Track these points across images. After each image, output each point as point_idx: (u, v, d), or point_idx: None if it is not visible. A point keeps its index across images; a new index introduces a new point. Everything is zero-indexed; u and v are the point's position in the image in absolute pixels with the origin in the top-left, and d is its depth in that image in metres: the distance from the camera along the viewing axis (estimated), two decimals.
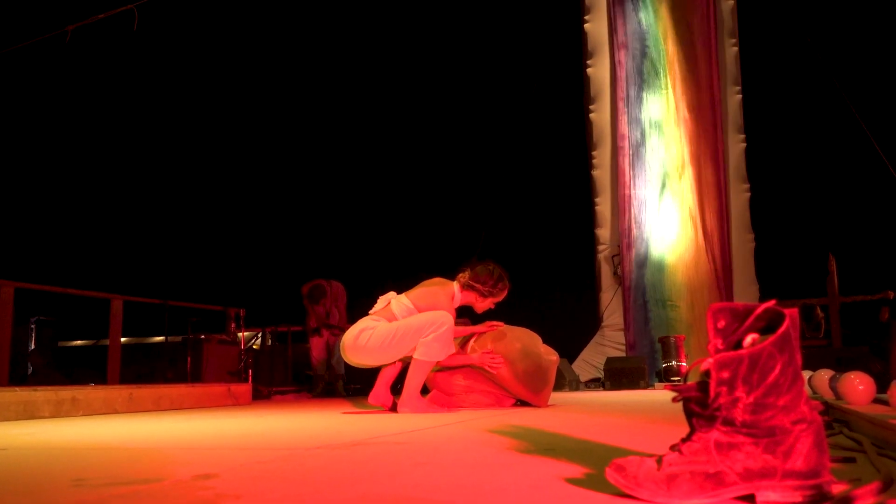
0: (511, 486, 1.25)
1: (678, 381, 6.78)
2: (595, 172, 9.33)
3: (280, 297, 10.45)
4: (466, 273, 3.89)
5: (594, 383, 7.95)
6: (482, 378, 3.93)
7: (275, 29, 14.74)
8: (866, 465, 1.38)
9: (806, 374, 2.92)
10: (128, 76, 14.46)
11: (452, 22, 13.87)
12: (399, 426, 2.69)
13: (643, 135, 8.96)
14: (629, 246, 8.80)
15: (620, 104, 9.07)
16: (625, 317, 8.74)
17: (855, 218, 11.73)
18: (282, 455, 1.81)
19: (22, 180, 14.13)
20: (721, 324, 1.07)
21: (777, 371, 1.03)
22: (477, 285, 3.86)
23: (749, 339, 1.06)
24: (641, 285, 8.70)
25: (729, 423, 1.05)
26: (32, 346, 9.17)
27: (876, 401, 2.32)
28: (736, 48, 9.27)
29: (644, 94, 9.03)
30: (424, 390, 3.86)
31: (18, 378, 7.25)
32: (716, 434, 1.06)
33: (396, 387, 3.75)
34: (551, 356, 3.98)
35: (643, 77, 9.04)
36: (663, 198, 8.83)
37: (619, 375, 7.14)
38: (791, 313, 1.05)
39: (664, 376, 7.23)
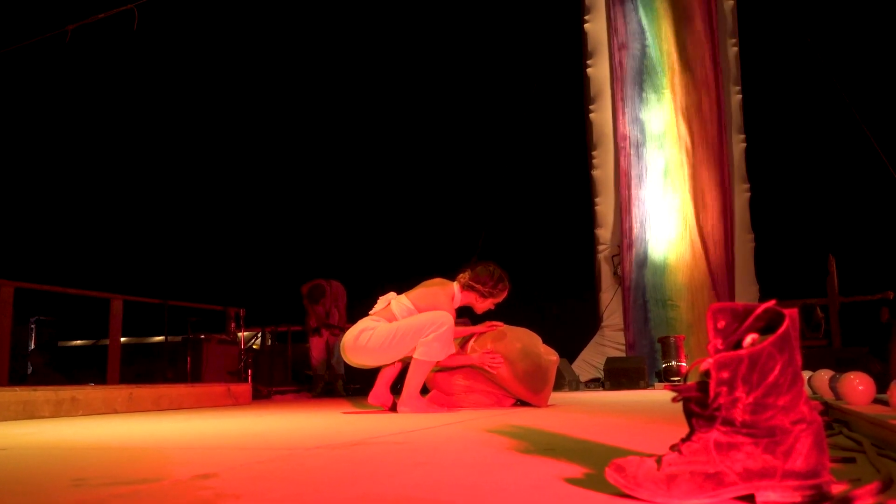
0: (511, 486, 1.25)
1: (678, 381, 6.78)
2: (595, 172, 9.33)
3: (280, 297, 10.46)
4: (467, 273, 3.89)
5: (594, 383, 7.95)
6: (482, 378, 3.93)
7: (275, 29, 14.75)
8: (866, 465, 1.38)
9: (806, 375, 2.92)
10: (128, 76, 14.47)
11: (452, 22, 13.87)
12: (399, 426, 2.69)
13: (643, 135, 8.96)
14: (629, 246, 8.80)
15: (620, 104, 9.07)
16: (624, 317, 8.74)
17: (855, 218, 11.73)
18: (281, 455, 1.81)
19: (22, 180, 14.13)
20: (721, 324, 1.07)
21: (777, 371, 1.03)
22: (477, 286, 3.87)
23: (749, 339, 1.06)
24: (641, 285, 8.69)
25: (728, 423, 1.05)
26: (32, 346, 9.18)
27: (876, 401, 2.32)
28: (736, 48, 9.27)
29: (644, 95, 9.02)
30: (424, 390, 3.86)
31: (18, 378, 7.25)
32: (715, 434, 1.06)
33: (396, 387, 3.75)
34: (551, 356, 3.98)
35: (643, 77, 9.03)
36: (663, 198, 8.82)
37: (618, 375, 7.14)
38: (791, 313, 1.05)
39: (664, 376, 7.23)
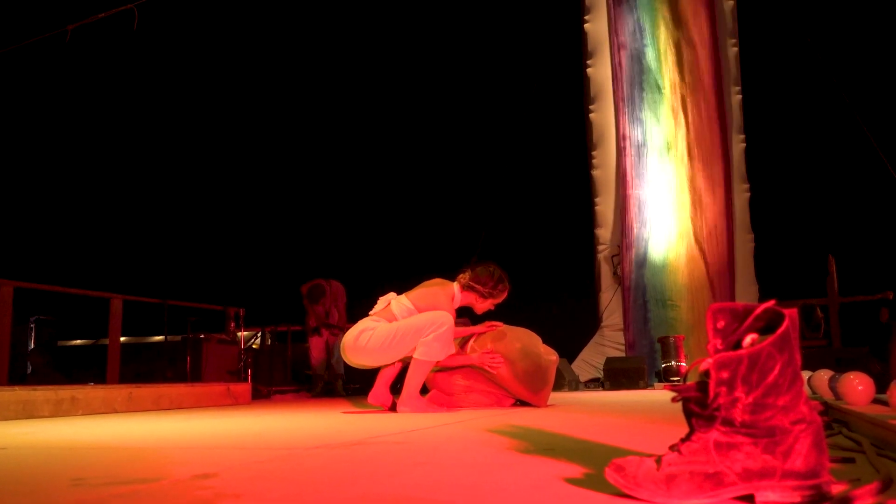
0: (511, 486, 1.25)
1: (677, 381, 6.78)
2: (595, 172, 9.33)
3: (279, 297, 10.45)
4: (467, 274, 3.89)
5: (593, 383, 7.95)
6: (482, 378, 3.93)
7: (275, 29, 14.75)
8: (865, 465, 1.38)
9: (805, 375, 2.92)
10: (128, 76, 14.47)
11: (452, 22, 13.87)
12: (398, 426, 2.69)
13: (644, 135, 8.96)
14: (629, 246, 8.80)
15: (621, 104, 9.07)
16: (624, 317, 8.74)
17: (855, 218, 11.73)
18: (281, 455, 1.81)
19: (22, 180, 14.13)
20: (720, 324, 1.07)
21: (776, 371, 1.03)
22: (477, 286, 3.87)
23: (748, 339, 1.06)
24: (641, 285, 8.69)
25: (728, 423, 1.05)
26: (32, 346, 9.17)
27: (875, 401, 2.32)
28: (736, 48, 9.28)
29: (645, 95, 9.02)
30: (424, 390, 3.86)
31: (18, 377, 7.25)
32: (715, 434, 1.06)
33: (396, 386, 3.75)
34: (551, 356, 3.98)
35: (644, 77, 9.03)
36: (663, 198, 8.82)
37: (618, 375, 7.14)
38: (790, 313, 1.05)
39: (664, 376, 7.22)
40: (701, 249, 8.64)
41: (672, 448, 1.11)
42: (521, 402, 3.98)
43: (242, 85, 15.38)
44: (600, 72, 9.43)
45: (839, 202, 11.84)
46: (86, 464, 1.76)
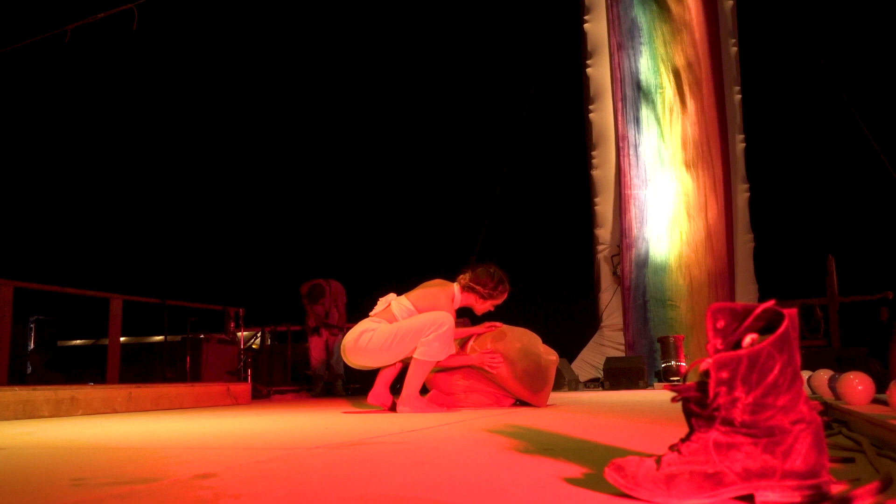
0: (511, 486, 1.25)
1: (677, 381, 6.78)
2: (595, 172, 9.33)
3: (279, 297, 10.46)
4: (467, 275, 3.89)
5: (593, 383, 7.95)
6: (482, 378, 3.93)
7: (275, 29, 14.75)
8: (865, 465, 1.38)
9: (805, 375, 2.92)
10: (128, 76, 14.47)
11: (452, 22, 13.88)
12: (398, 426, 2.69)
13: (643, 135, 8.96)
14: (629, 246, 8.80)
15: (620, 104, 9.07)
16: (624, 317, 8.74)
17: (855, 218, 11.74)
18: (281, 455, 1.81)
19: (21, 180, 14.13)
20: (720, 324, 1.07)
21: (776, 371, 1.03)
22: (477, 287, 3.86)
23: (748, 339, 1.06)
24: (641, 285, 8.69)
25: (728, 423, 1.05)
26: (32, 346, 9.19)
27: (875, 401, 2.32)
28: (736, 48, 9.28)
29: (644, 95, 9.02)
30: (424, 390, 3.86)
31: (18, 377, 7.26)
32: (715, 434, 1.06)
33: (396, 386, 3.75)
34: (551, 356, 3.98)
35: (643, 77, 9.04)
36: (663, 198, 8.82)
37: (618, 375, 7.14)
38: (790, 313, 1.05)
39: (663, 376, 7.22)
40: (701, 249, 8.64)
41: (672, 448, 1.11)
42: (521, 402, 3.98)
43: (242, 85, 15.39)
44: (600, 72, 9.43)
45: (839, 202, 11.85)
46: (86, 464, 1.76)
